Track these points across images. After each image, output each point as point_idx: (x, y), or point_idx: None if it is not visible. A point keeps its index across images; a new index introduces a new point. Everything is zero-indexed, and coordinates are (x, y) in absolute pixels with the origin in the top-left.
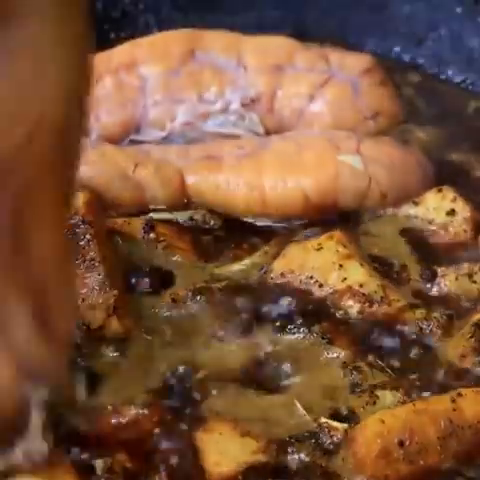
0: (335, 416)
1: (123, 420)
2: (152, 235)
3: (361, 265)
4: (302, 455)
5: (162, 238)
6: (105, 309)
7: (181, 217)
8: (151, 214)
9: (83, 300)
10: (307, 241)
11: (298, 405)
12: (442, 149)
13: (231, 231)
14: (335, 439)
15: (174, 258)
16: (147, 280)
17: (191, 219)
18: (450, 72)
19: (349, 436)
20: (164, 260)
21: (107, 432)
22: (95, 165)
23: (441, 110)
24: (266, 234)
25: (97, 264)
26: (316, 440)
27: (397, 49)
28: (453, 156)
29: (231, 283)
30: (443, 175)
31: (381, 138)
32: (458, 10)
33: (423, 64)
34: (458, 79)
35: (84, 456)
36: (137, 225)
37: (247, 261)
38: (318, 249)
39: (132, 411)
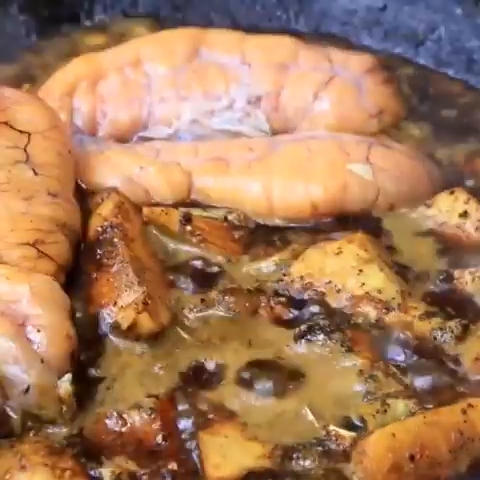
0: (345, 424)
1: (126, 426)
2: (188, 228)
3: (381, 270)
4: (307, 462)
5: (198, 232)
6: (134, 308)
7: (215, 214)
8: (184, 208)
9: (115, 303)
10: (327, 244)
11: (308, 412)
12: (441, 148)
13: (261, 229)
14: (342, 448)
15: (208, 253)
16: (183, 276)
17: (225, 218)
18: (450, 72)
19: (359, 450)
20: (199, 254)
21: (111, 439)
22: (101, 170)
23: (440, 109)
24: (294, 232)
25: (126, 265)
26: (323, 448)
27: (397, 50)
28: (453, 155)
29: (259, 285)
30: (446, 175)
31: (391, 144)
32: (458, 11)
33: (423, 64)
34: (458, 79)
35: (91, 464)
36: (174, 216)
37: (275, 258)
38: (338, 253)
39: (136, 416)
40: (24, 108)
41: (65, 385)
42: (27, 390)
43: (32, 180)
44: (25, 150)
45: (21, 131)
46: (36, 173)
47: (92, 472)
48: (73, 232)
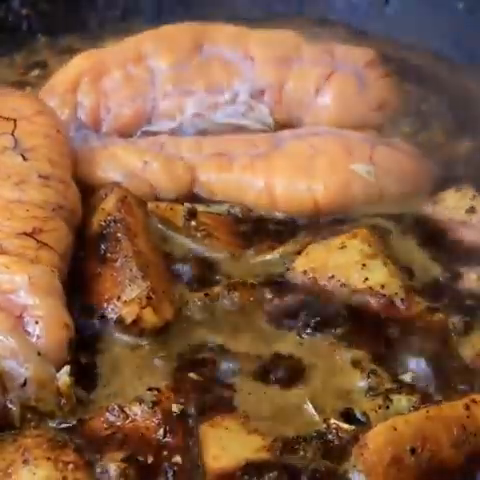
0: (346, 417)
1: (127, 420)
2: (193, 223)
3: (384, 265)
4: (307, 455)
5: (202, 227)
6: (138, 302)
7: (219, 209)
8: (189, 203)
9: (118, 298)
10: (331, 239)
11: (309, 405)
12: (445, 144)
13: (264, 223)
14: (342, 441)
15: (213, 247)
16: (187, 271)
17: (228, 212)
18: (451, 68)
19: (360, 443)
20: (203, 249)
21: (112, 432)
22: (105, 165)
23: (441, 105)
24: (298, 227)
25: (129, 259)
26: (324, 440)
27: (399, 43)
28: (456, 151)
29: (263, 280)
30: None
31: (391, 141)
32: (460, 6)
33: (425, 59)
34: (459, 75)
35: (93, 457)
36: (179, 211)
37: (279, 252)
38: (341, 248)
39: (137, 409)
40: (8, 98)
41: (64, 377)
42: (24, 383)
43: (21, 165)
44: (13, 135)
45: (7, 119)
46: (25, 158)
47: (98, 466)
48: (72, 214)
